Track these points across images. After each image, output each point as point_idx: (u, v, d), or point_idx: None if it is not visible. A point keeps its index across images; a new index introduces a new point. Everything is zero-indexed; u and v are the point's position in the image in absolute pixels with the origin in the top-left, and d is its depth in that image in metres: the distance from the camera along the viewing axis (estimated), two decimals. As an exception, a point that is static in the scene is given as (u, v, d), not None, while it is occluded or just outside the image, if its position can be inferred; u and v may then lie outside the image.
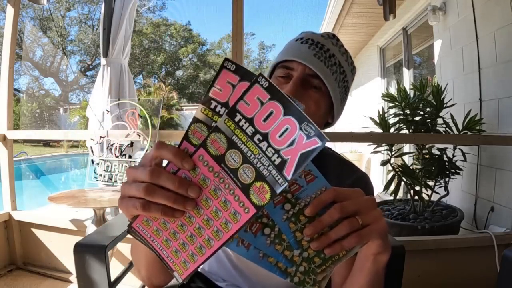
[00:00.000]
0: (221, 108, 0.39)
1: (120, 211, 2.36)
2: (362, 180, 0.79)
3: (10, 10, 2.23)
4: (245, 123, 0.37)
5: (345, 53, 0.74)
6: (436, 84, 2.32)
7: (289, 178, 0.36)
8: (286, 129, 0.36)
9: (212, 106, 0.39)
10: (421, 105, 2.27)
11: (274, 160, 0.36)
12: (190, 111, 17.05)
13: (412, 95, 2.32)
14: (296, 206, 0.43)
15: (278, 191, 0.36)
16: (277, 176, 0.36)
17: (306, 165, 0.43)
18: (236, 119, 0.37)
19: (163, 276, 0.67)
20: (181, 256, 0.42)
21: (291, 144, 0.36)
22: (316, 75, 0.68)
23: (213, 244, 0.40)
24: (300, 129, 0.35)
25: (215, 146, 0.38)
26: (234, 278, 0.83)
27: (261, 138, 0.37)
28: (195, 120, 0.40)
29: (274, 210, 0.43)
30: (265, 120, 0.37)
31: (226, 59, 0.39)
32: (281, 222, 0.43)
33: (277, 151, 0.36)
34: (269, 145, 0.36)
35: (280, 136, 0.36)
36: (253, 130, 0.37)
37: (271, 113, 0.36)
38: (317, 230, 0.42)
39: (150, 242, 0.43)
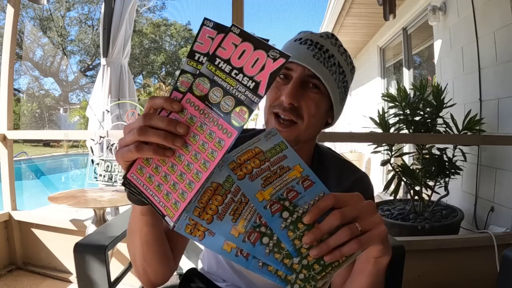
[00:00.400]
0: (203, 58, 0.45)
1: (120, 211, 2.36)
2: (362, 181, 0.79)
3: (10, 10, 2.23)
4: (223, 64, 0.43)
5: (344, 52, 0.74)
6: (436, 84, 2.33)
7: (262, 94, 0.41)
8: (257, 59, 0.42)
9: (196, 58, 0.45)
10: (421, 105, 2.27)
11: (249, 86, 0.41)
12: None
13: (412, 95, 2.32)
14: (294, 214, 0.44)
15: (254, 109, 0.41)
16: (252, 96, 0.41)
17: (304, 170, 0.45)
18: (216, 62, 0.43)
19: (158, 265, 0.67)
20: (172, 198, 0.44)
21: (262, 69, 0.41)
22: (315, 76, 0.68)
23: (201, 176, 0.42)
24: (268, 56, 0.41)
25: (200, 88, 0.43)
26: (233, 278, 0.83)
27: (237, 72, 0.42)
28: (182, 71, 0.45)
29: (272, 219, 0.43)
30: (239, 57, 0.42)
31: (205, 18, 0.45)
32: (280, 231, 0.43)
33: (251, 78, 0.42)
34: (244, 75, 0.42)
35: (252, 66, 0.42)
36: (230, 67, 0.43)
37: (243, 51, 0.42)
38: (316, 237, 0.42)
39: (143, 190, 0.46)
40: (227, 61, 0.43)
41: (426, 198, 2.28)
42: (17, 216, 2.25)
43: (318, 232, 0.42)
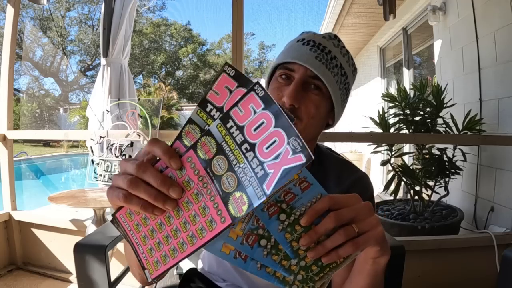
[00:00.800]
0: (215, 112, 0.40)
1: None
2: (362, 181, 0.79)
3: (10, 10, 2.23)
4: (235, 130, 0.38)
5: (347, 54, 0.73)
6: (436, 84, 2.32)
7: (268, 193, 0.35)
8: (274, 141, 0.35)
9: (208, 109, 0.40)
10: (421, 105, 2.27)
11: (257, 172, 0.36)
12: (190, 111, 17.02)
13: (412, 95, 2.32)
14: (292, 216, 0.43)
15: (255, 205, 0.36)
16: (257, 189, 0.36)
17: (301, 172, 0.43)
18: (228, 125, 0.38)
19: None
20: (154, 255, 0.43)
21: (276, 157, 0.35)
22: (317, 77, 0.68)
23: (185, 248, 0.40)
24: (288, 143, 0.35)
25: (205, 150, 0.39)
26: (234, 277, 0.83)
27: (248, 147, 0.37)
28: (190, 121, 0.41)
29: (269, 221, 0.43)
30: (255, 129, 0.37)
31: (226, 64, 0.40)
32: (277, 233, 0.43)
33: (261, 163, 0.36)
34: (255, 156, 0.36)
35: (267, 148, 0.36)
36: (243, 138, 0.37)
37: (262, 123, 0.36)
38: (312, 239, 0.43)
39: (129, 235, 0.45)
40: (241, 129, 0.37)
41: (426, 198, 2.28)
42: (17, 216, 2.25)
43: (314, 234, 0.42)
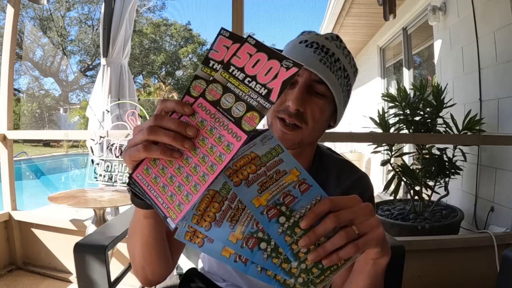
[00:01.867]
0: (217, 65, 0.45)
1: (120, 211, 2.36)
2: (362, 181, 0.79)
3: (10, 10, 2.23)
4: (237, 71, 0.43)
5: (348, 55, 0.73)
6: (436, 84, 2.33)
7: (274, 100, 0.41)
8: (270, 68, 0.42)
9: (211, 65, 0.46)
10: (421, 105, 2.27)
11: (262, 92, 0.42)
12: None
13: (412, 95, 2.32)
14: (291, 218, 0.44)
15: (264, 114, 0.41)
16: (264, 102, 0.41)
17: (301, 174, 0.45)
18: (230, 70, 0.44)
19: (157, 265, 0.67)
20: (176, 199, 0.44)
21: (275, 77, 0.42)
22: (322, 81, 0.67)
23: (207, 178, 0.42)
24: (281, 65, 0.42)
25: (212, 94, 0.44)
26: (234, 278, 0.83)
27: (250, 79, 0.43)
28: (196, 77, 0.45)
29: (269, 225, 0.44)
30: (253, 66, 0.43)
31: (222, 28, 0.46)
32: (277, 236, 0.44)
33: (263, 85, 0.42)
34: (257, 83, 0.42)
35: (265, 74, 0.42)
36: (244, 75, 0.43)
37: (258, 60, 0.43)
38: (311, 241, 0.43)
39: (148, 191, 0.46)
40: (241, 69, 0.43)
41: (426, 198, 2.28)
42: (17, 216, 2.24)
43: (314, 236, 0.43)
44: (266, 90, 0.42)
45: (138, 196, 0.49)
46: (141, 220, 0.59)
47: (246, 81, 0.43)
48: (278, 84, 0.41)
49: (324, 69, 0.67)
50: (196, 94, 0.45)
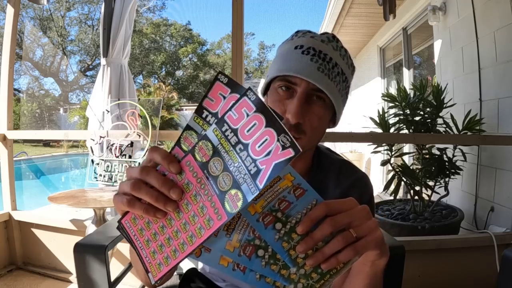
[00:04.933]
0: (211, 117, 0.43)
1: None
2: (362, 181, 0.79)
3: (10, 10, 2.22)
4: (230, 132, 0.40)
5: (345, 54, 0.72)
6: (436, 84, 2.32)
7: (261, 187, 0.37)
8: (265, 139, 0.38)
9: (204, 115, 0.43)
10: (421, 105, 2.27)
11: (251, 170, 0.38)
12: (190, 111, 17.01)
13: (412, 95, 2.31)
14: (288, 224, 0.43)
15: (249, 199, 0.38)
16: (251, 184, 0.38)
17: (295, 179, 0.44)
18: (223, 129, 0.40)
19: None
20: (157, 258, 0.44)
21: (268, 154, 0.37)
22: (320, 90, 0.66)
23: (185, 248, 0.42)
24: (278, 140, 0.37)
25: (202, 153, 0.41)
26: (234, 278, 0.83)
27: (242, 147, 0.39)
28: (187, 127, 0.43)
29: (265, 231, 0.43)
30: (248, 130, 0.39)
31: (219, 72, 0.43)
32: (274, 242, 0.43)
33: (254, 161, 0.38)
34: (248, 155, 0.38)
35: (259, 147, 0.38)
36: (237, 139, 0.39)
37: (254, 124, 0.39)
38: (309, 247, 0.42)
39: (134, 240, 0.46)
40: (235, 132, 0.40)
41: (426, 198, 2.28)
42: (17, 216, 2.24)
43: (311, 241, 0.42)
44: (255, 169, 0.38)
45: None
46: None
47: (237, 149, 0.39)
48: (269, 166, 0.37)
49: (323, 78, 0.66)
50: (186, 147, 0.43)
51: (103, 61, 2.53)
